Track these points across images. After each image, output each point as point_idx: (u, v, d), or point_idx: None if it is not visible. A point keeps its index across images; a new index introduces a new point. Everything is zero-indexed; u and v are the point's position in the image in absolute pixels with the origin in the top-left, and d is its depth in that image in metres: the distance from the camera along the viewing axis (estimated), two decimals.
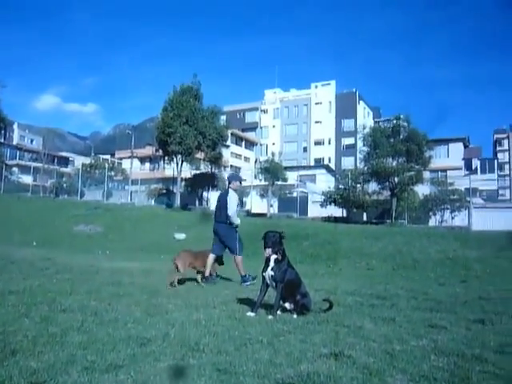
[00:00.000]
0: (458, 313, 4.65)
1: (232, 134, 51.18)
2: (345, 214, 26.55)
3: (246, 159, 60.25)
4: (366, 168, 24.63)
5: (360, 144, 27.05)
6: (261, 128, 66.18)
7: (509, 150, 59.57)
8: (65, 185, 39.40)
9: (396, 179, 23.21)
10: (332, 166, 52.21)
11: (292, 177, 30.73)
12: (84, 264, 8.79)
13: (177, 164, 28.70)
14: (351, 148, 54.95)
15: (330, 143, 61.09)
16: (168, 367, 2.59)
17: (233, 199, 7.16)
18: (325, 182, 31.60)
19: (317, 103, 63.12)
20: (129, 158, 45.54)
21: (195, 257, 6.86)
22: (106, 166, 41.19)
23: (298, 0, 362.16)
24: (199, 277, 6.79)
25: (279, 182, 29.52)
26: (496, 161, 48.30)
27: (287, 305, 4.43)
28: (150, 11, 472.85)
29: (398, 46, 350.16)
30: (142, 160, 52.55)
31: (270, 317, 4.16)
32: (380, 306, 4.95)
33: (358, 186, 26.33)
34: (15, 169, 45.96)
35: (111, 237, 18.65)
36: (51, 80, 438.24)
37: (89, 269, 7.94)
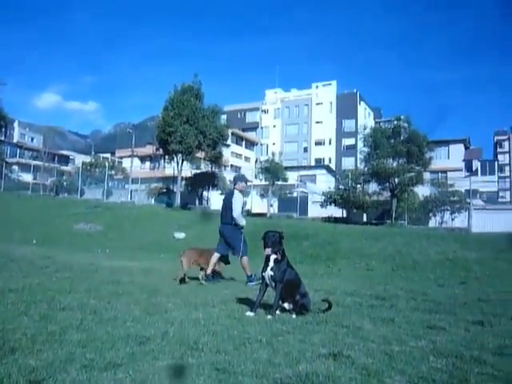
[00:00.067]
0: (457, 314, 4.65)
1: (232, 133, 51.19)
2: (345, 215, 26.55)
3: (247, 159, 60.28)
4: (366, 169, 24.64)
5: (360, 144, 27.05)
6: (261, 128, 66.19)
7: (509, 151, 59.62)
8: (65, 183, 39.42)
9: (396, 180, 23.22)
10: (332, 166, 52.23)
11: (292, 177, 30.76)
12: (84, 262, 8.80)
13: (177, 163, 28.71)
14: (352, 148, 54.95)
15: (330, 143, 61.10)
16: (167, 366, 2.59)
17: (238, 200, 7.14)
18: (325, 183, 31.64)
19: (317, 103, 63.11)
20: (129, 156, 45.47)
21: (200, 254, 7.04)
22: (107, 164, 41.22)
23: (298, 0, 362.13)
24: (201, 274, 6.84)
25: (279, 182, 29.57)
26: (496, 162, 48.33)
27: (286, 305, 4.43)
28: (151, 11, 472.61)
29: (398, 47, 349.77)
30: (143, 159, 52.55)
31: (269, 316, 4.16)
32: (379, 307, 4.95)
33: (358, 186, 26.34)
34: (15, 167, 45.98)
35: (111, 235, 18.66)
36: (52, 78, 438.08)
37: (88, 267, 7.95)
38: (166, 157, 29.62)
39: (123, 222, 21.37)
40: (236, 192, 7.24)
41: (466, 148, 43.83)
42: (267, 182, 28.69)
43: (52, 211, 23.47)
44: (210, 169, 32.52)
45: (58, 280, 5.99)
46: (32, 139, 65.31)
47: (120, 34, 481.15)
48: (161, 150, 29.41)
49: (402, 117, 23.85)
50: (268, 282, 4.47)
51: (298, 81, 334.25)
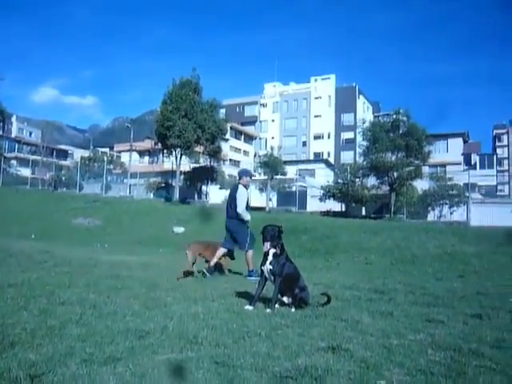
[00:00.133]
0: (456, 308, 4.67)
1: (231, 127, 51.02)
2: (343, 209, 26.58)
3: (245, 153, 60.11)
4: (365, 162, 24.59)
5: (359, 138, 27.01)
6: (260, 122, 65.98)
7: (508, 145, 59.72)
8: (63, 178, 39.32)
9: (395, 174, 23.20)
10: (331, 160, 52.13)
11: (291, 171, 30.73)
12: (82, 257, 8.80)
13: (176, 157, 28.67)
14: (350, 142, 54.90)
15: (329, 137, 60.98)
16: (166, 360, 2.60)
17: (242, 195, 7.08)
18: (324, 177, 31.61)
19: (316, 97, 62.88)
20: (128, 151, 45.33)
21: (206, 247, 7.11)
22: (105, 159, 41.09)
23: None
24: (206, 266, 6.86)
25: (278, 176, 29.54)
26: (495, 156, 48.37)
27: (285, 298, 4.44)
28: (149, 4, 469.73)
29: (397, 41, 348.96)
30: (141, 153, 52.43)
31: (268, 310, 4.17)
32: (378, 301, 4.96)
33: (357, 180, 26.35)
34: (14, 161, 45.85)
35: (110, 230, 18.65)
36: (50, 72, 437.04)
37: (87, 262, 7.96)
38: (165, 151, 29.56)
39: (122, 216, 21.35)
40: (240, 187, 7.16)
41: (465, 142, 43.78)
42: (266, 176, 28.66)
43: (50, 206, 23.44)
44: (208, 163, 32.47)
45: (56, 275, 5.99)
46: (30, 134, 65.10)
47: (118, 28, 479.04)
48: (159, 145, 29.32)
49: (400, 110, 23.73)
50: (267, 275, 4.47)
51: (297, 75, 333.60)
